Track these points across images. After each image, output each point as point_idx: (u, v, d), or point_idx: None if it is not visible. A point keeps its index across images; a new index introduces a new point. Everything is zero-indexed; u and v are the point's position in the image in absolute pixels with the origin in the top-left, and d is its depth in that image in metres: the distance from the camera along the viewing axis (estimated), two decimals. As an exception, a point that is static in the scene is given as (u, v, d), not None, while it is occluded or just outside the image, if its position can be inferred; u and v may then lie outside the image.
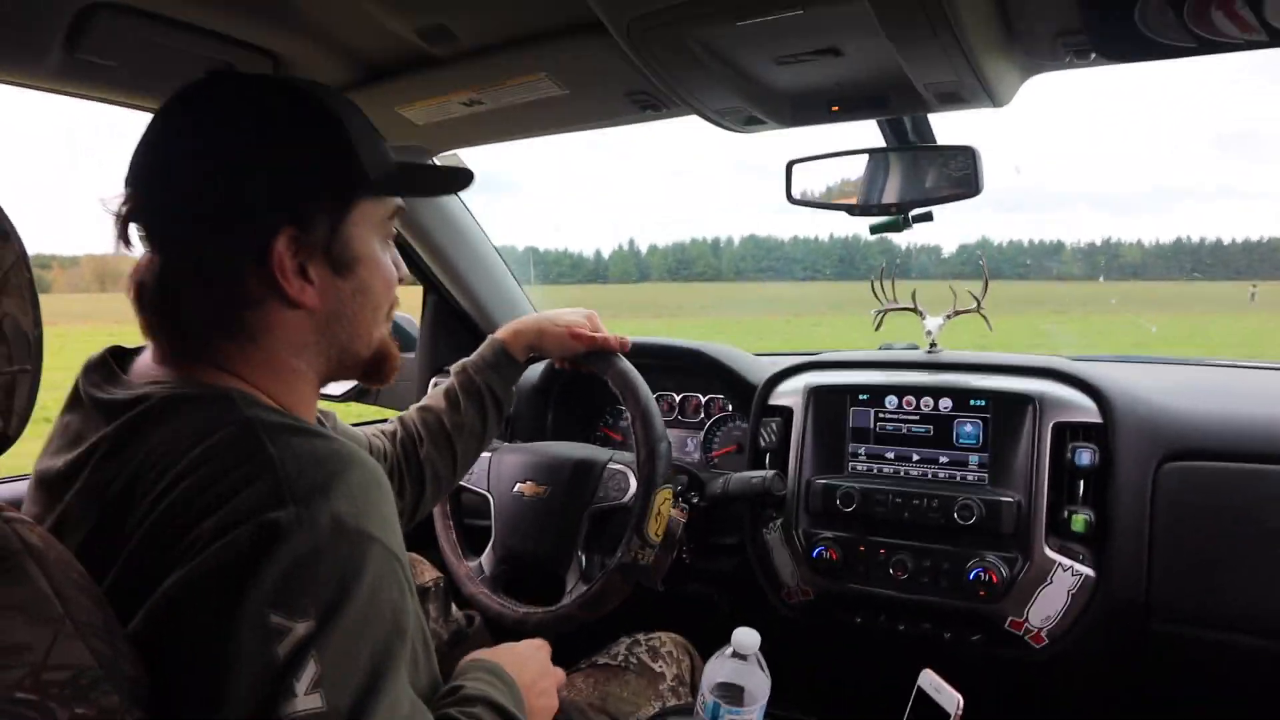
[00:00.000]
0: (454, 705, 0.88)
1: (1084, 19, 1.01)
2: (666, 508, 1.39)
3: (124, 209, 0.80)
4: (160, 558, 0.67)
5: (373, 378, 0.94)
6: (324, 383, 0.90)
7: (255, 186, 0.78)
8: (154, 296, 0.80)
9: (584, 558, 1.51)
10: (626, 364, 1.42)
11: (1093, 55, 1.09)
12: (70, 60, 1.15)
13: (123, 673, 0.63)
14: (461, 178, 0.99)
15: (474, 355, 1.40)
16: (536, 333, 1.41)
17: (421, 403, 1.38)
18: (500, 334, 1.41)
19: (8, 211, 0.65)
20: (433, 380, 2.17)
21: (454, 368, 1.39)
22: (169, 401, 0.76)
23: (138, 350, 0.88)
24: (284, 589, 0.63)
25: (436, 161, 1.83)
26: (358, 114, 0.87)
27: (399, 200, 0.91)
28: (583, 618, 1.45)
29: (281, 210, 0.79)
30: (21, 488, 1.46)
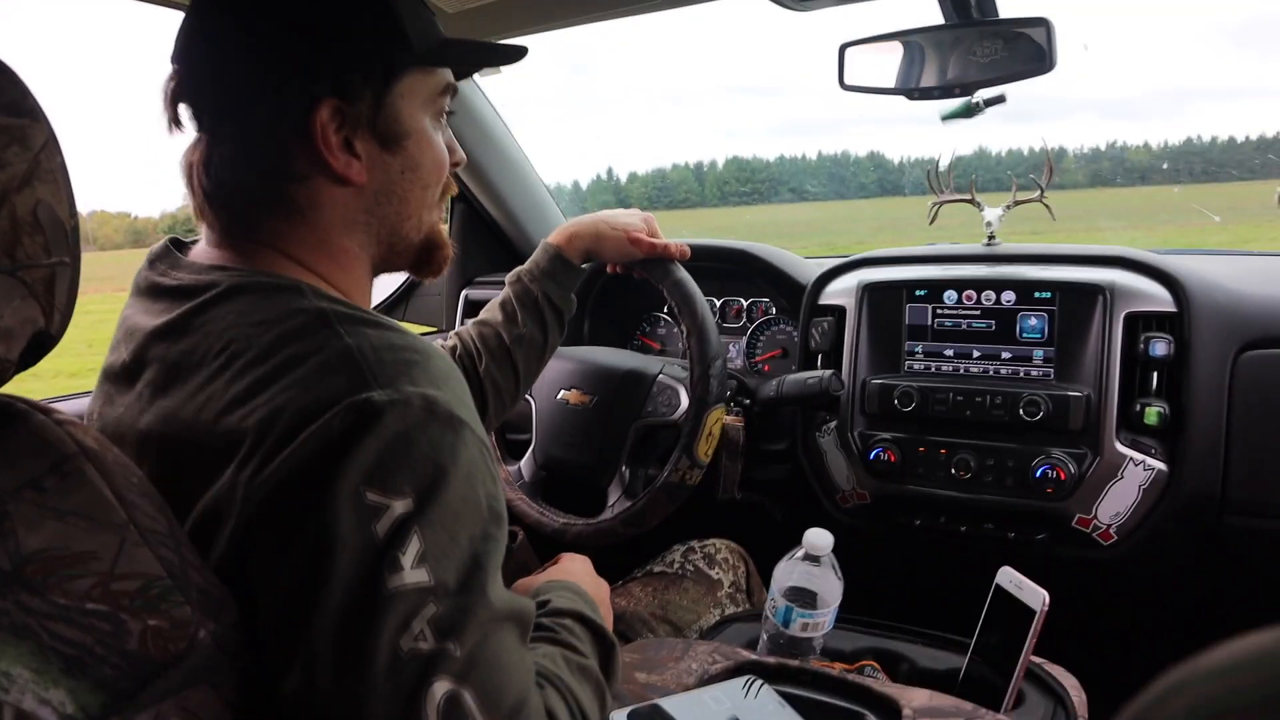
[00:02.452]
0: (545, 616, 0.85)
1: None
2: (718, 428, 1.35)
3: (171, 87, 0.78)
4: (238, 446, 0.65)
5: (423, 268, 0.92)
6: (377, 269, 0.88)
7: (296, 55, 0.75)
8: (203, 175, 0.78)
9: (628, 471, 1.47)
10: (684, 274, 1.35)
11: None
12: None
13: (192, 582, 0.61)
14: (513, 52, 0.94)
15: (528, 263, 1.33)
16: (593, 236, 1.33)
17: (478, 317, 1.32)
18: (554, 238, 1.33)
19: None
20: (463, 293, 2.11)
21: (509, 277, 1.33)
22: (236, 288, 0.74)
23: (195, 242, 0.85)
24: (379, 467, 0.62)
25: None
26: None
27: (449, 76, 0.87)
28: (623, 533, 1.43)
29: (322, 80, 0.75)
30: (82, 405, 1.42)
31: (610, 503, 1.45)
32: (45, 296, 0.59)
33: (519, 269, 1.33)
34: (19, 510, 0.54)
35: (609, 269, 1.39)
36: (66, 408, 1.35)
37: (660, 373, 1.47)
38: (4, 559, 0.53)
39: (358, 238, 0.83)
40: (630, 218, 1.37)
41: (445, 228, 0.93)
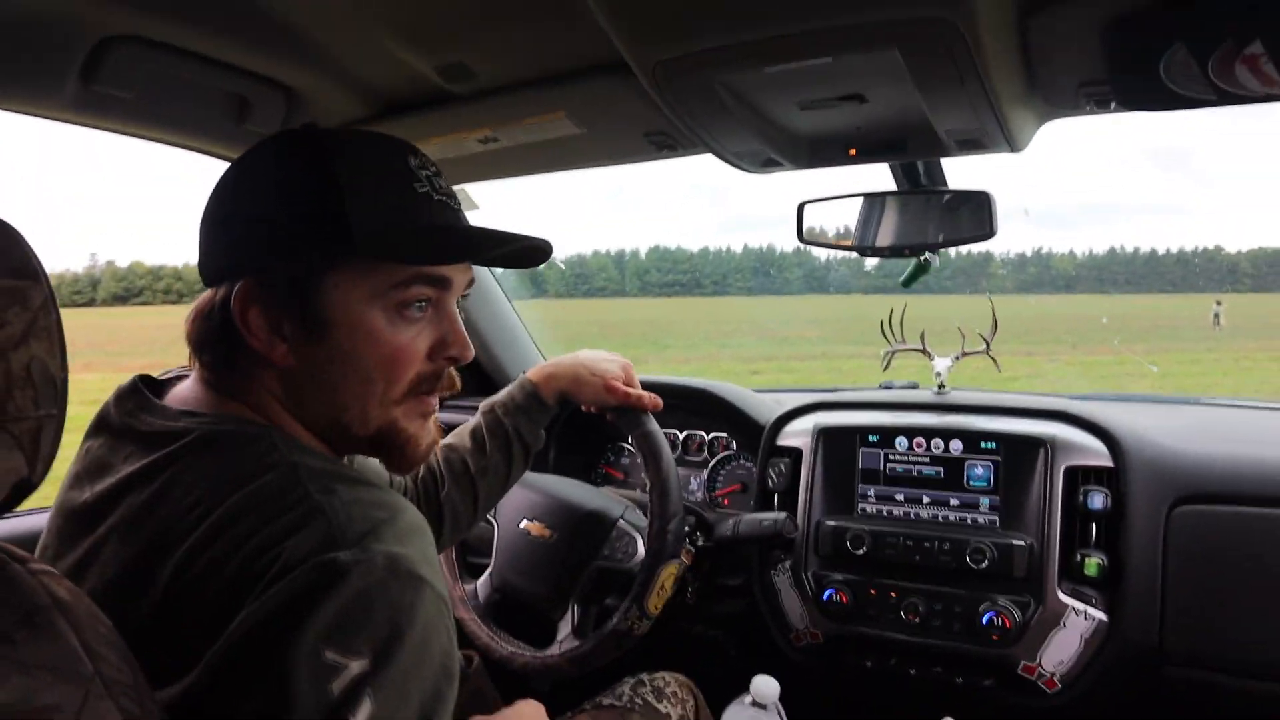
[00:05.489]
0: None
1: (1109, 71, 1.02)
2: (670, 583, 1.37)
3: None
4: (204, 604, 0.66)
5: (388, 463, 0.87)
6: (338, 446, 0.85)
7: (230, 233, 0.80)
8: (189, 325, 0.82)
9: (578, 610, 1.49)
10: (655, 427, 1.38)
11: (1113, 104, 1.11)
12: (86, 92, 1.15)
13: None
14: (490, 245, 0.85)
15: (503, 395, 1.35)
16: (571, 379, 1.36)
17: (446, 440, 1.34)
18: (533, 375, 1.36)
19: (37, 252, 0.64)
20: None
21: (482, 406, 1.35)
22: (209, 437, 0.76)
23: (169, 381, 0.87)
24: (339, 627, 0.63)
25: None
26: (379, 166, 0.80)
27: (424, 269, 0.80)
28: (568, 671, 1.44)
29: (246, 260, 0.78)
30: (32, 523, 1.42)
31: (559, 638, 1.47)
32: (30, 447, 0.61)
33: (493, 400, 1.35)
34: None
35: (583, 408, 1.42)
36: (16, 525, 1.35)
37: (621, 517, 1.51)
38: None
39: (303, 414, 0.82)
40: (609, 364, 1.39)
41: (421, 424, 0.86)
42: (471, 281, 0.88)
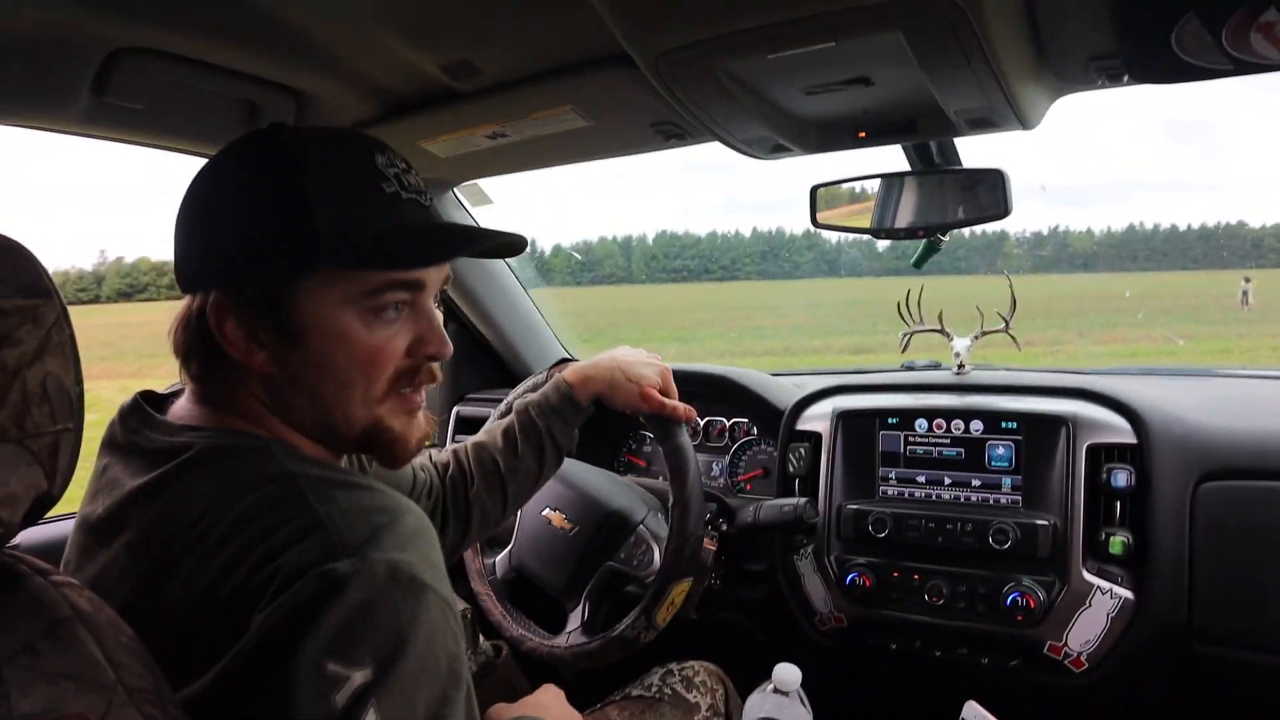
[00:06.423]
0: None
1: (1119, 43, 1.00)
2: (680, 599, 1.37)
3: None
4: (213, 617, 0.67)
5: (380, 460, 0.87)
6: (329, 442, 0.85)
7: (201, 244, 0.79)
8: (174, 336, 0.82)
9: (588, 606, 1.50)
10: (685, 441, 1.36)
11: (1125, 78, 1.09)
12: (98, 104, 1.16)
13: None
14: (470, 240, 0.89)
15: (537, 395, 1.34)
16: (607, 383, 1.33)
17: (477, 437, 1.34)
18: (569, 376, 1.34)
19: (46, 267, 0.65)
20: (454, 409, 2.16)
21: (516, 406, 1.35)
22: (210, 451, 0.76)
23: (170, 395, 0.88)
24: (341, 638, 0.63)
25: (457, 193, 1.84)
26: (345, 169, 0.78)
27: (399, 273, 0.80)
28: (574, 664, 1.45)
29: (216, 270, 0.78)
30: (58, 530, 1.45)
31: (568, 629, 1.48)
32: (49, 462, 0.62)
33: (527, 400, 1.34)
34: (14, 675, 0.56)
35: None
36: (45, 532, 1.38)
37: (642, 522, 1.50)
38: None
39: (291, 418, 0.82)
40: (647, 369, 1.36)
41: (407, 420, 0.86)
42: (449, 277, 0.87)
